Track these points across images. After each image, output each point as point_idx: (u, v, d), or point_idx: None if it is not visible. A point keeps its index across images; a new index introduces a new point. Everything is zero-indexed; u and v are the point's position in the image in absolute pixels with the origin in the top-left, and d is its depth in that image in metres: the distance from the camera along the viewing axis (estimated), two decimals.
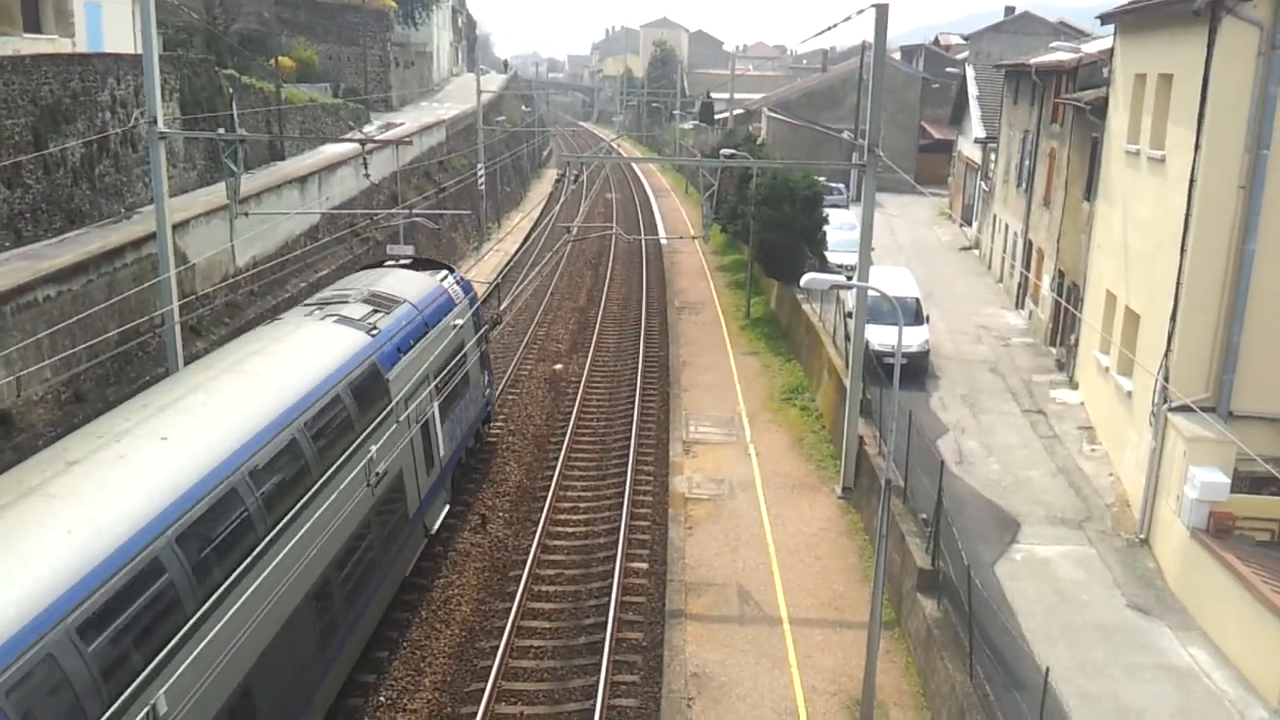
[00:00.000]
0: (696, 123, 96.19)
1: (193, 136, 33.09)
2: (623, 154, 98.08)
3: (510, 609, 18.92)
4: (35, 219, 25.51)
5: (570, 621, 18.94)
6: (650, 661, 17.60)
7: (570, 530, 22.49)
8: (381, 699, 16.49)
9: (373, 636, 17.26)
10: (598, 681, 16.63)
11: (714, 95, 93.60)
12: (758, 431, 27.22)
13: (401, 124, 58.60)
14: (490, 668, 17.11)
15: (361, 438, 16.18)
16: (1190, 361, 18.72)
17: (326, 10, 67.62)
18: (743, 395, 30.12)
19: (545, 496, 23.76)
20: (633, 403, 29.75)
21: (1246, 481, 18.05)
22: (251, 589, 11.95)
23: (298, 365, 16.04)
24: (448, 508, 21.79)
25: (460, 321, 22.24)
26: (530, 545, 21.39)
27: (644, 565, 20.80)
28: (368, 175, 32.32)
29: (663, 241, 56.12)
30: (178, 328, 22.47)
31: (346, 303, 19.54)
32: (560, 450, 26.47)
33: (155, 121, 21.73)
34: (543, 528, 22.11)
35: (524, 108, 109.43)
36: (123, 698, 9.56)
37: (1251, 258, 17.92)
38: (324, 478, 14.45)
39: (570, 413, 29.36)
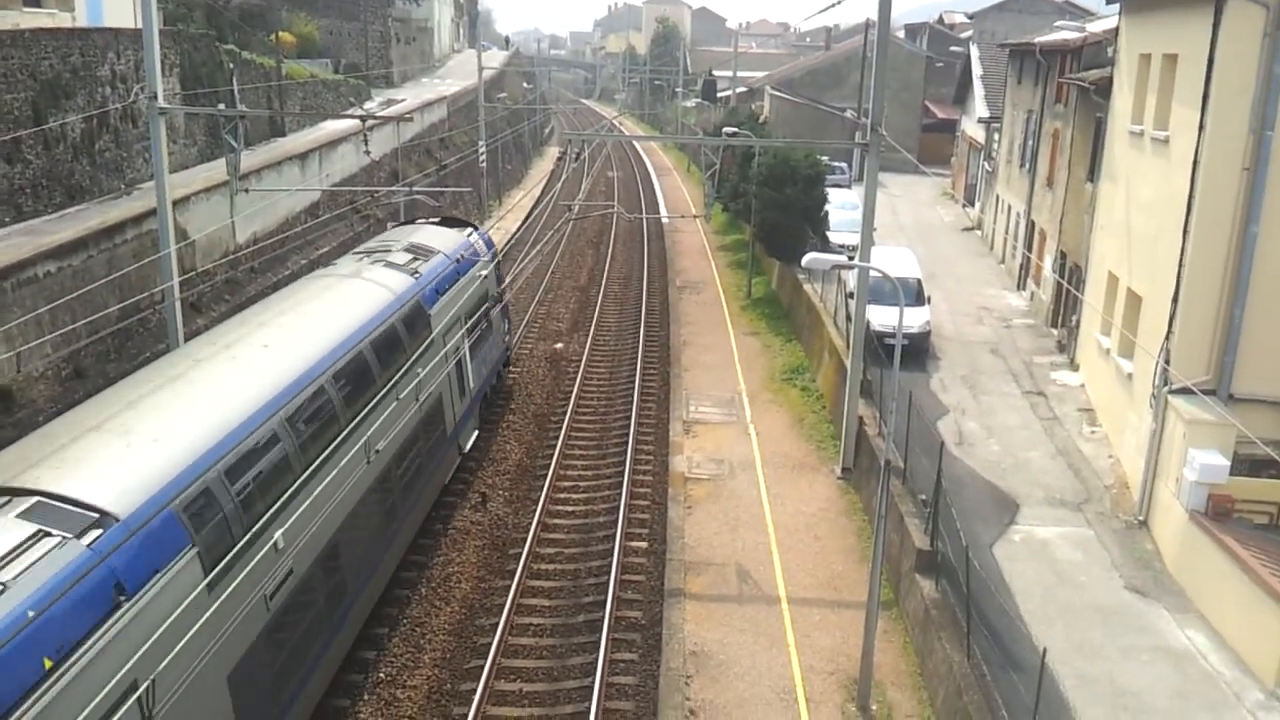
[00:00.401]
0: (699, 101, 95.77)
1: (193, 112, 32.98)
2: (624, 132, 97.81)
3: (510, 587, 18.98)
4: (35, 194, 25.46)
5: (569, 600, 19.00)
6: (649, 640, 17.66)
7: (570, 509, 22.53)
8: (381, 675, 16.57)
9: (371, 614, 17.33)
10: (596, 659, 16.70)
11: (717, 73, 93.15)
12: (758, 411, 27.23)
13: (402, 100, 58.40)
14: (490, 645, 17.18)
15: (411, 360, 18.81)
16: (1191, 344, 18.70)
17: None
18: (743, 375, 30.11)
19: (545, 475, 23.79)
20: (633, 382, 29.75)
21: (1246, 464, 18.06)
22: (337, 467, 14.81)
23: (360, 297, 19.09)
24: (476, 432, 24.97)
25: (485, 272, 25.50)
26: (530, 524, 21.43)
27: (643, 544, 20.85)
28: (368, 152, 32.20)
29: (664, 220, 55.98)
30: (178, 304, 22.45)
31: (390, 251, 22.45)
32: (560, 429, 26.49)
33: (155, 97, 21.63)
34: (543, 506, 22.16)
35: (525, 85, 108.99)
36: (254, 529, 12.27)
37: (1254, 240, 17.86)
38: (385, 388, 17.63)
39: (571, 392, 29.37)
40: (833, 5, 24.80)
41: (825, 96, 67.29)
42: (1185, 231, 18.63)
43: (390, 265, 21.23)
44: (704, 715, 15.34)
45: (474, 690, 16.06)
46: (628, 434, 25.79)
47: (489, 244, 27.59)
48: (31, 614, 9.05)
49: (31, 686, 8.75)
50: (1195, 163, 18.35)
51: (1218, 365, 18.54)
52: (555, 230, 45.05)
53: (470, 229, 27.24)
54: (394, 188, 38.19)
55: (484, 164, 57.48)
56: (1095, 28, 32.05)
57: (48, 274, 21.91)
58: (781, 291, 38.17)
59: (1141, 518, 19.52)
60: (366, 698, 16.01)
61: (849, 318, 24.88)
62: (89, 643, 9.54)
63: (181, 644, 10.30)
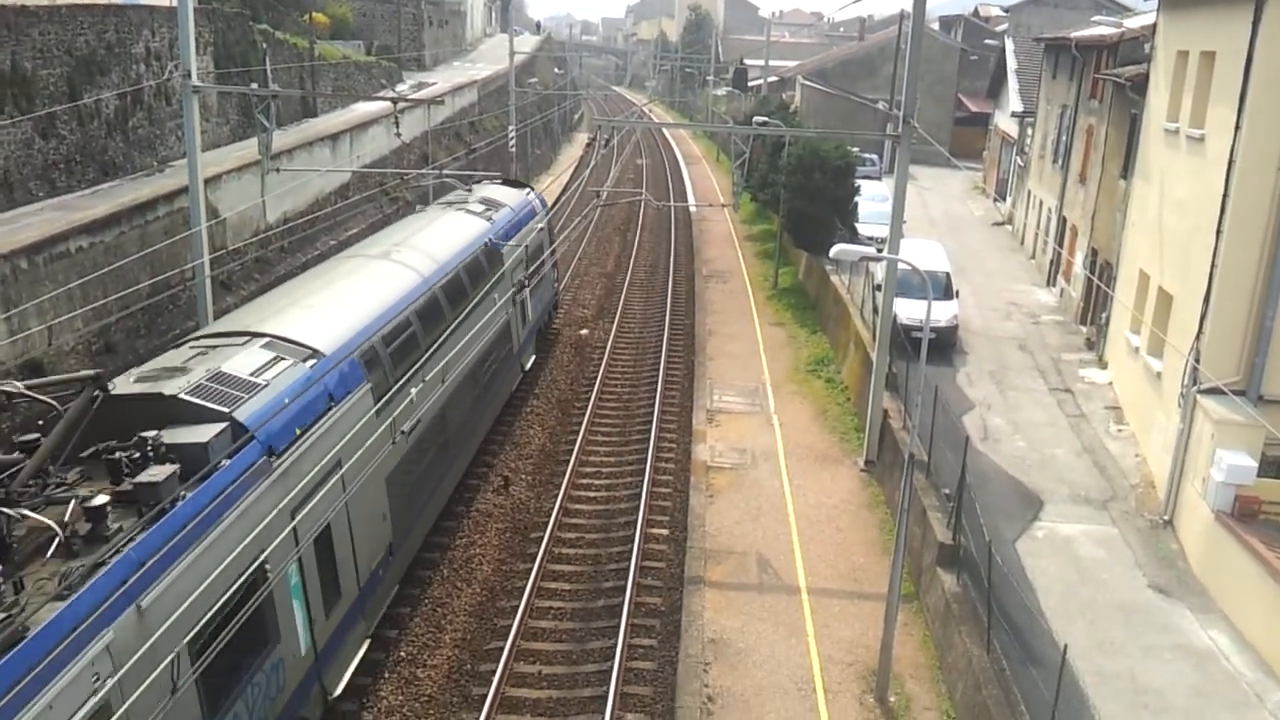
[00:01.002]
0: (730, 89, 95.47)
1: (226, 91, 33.18)
2: (654, 119, 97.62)
3: (531, 570, 19.07)
4: (69, 170, 25.71)
5: (590, 584, 19.07)
6: (668, 626, 17.71)
7: (592, 495, 22.59)
8: (402, 654, 16.69)
9: (396, 596, 17.47)
10: (616, 644, 16.76)
11: (748, 62, 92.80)
12: (782, 402, 27.20)
13: (434, 83, 58.51)
14: (510, 627, 17.28)
15: (489, 287, 23.32)
16: (1222, 344, 18.55)
17: None
18: (768, 365, 30.07)
19: (568, 460, 23.86)
20: (657, 369, 29.76)
21: (1274, 466, 17.94)
22: (446, 354, 18.82)
23: (455, 232, 23.68)
24: (534, 357, 29.49)
25: (540, 225, 29.85)
26: (552, 508, 21.51)
27: (664, 531, 20.89)
28: (399, 134, 32.31)
29: (692, 209, 55.88)
30: (208, 281, 22.66)
31: (467, 202, 26.81)
32: (584, 415, 26.55)
33: (189, 75, 21.79)
34: (565, 491, 22.23)
35: (556, 70, 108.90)
36: (401, 380, 16.73)
37: None
38: (473, 303, 21.97)
39: (595, 377, 29.42)
40: None
41: (857, 87, 66.92)
42: (1219, 231, 18.46)
43: (469, 212, 25.67)
44: (722, 702, 15.39)
45: (493, 671, 16.17)
46: (651, 421, 25.82)
47: (543, 203, 31.96)
48: (287, 401, 13.52)
49: (288, 446, 13.10)
50: (1230, 162, 18.17)
51: (1248, 366, 18.38)
52: (583, 217, 45.05)
53: (528, 189, 31.62)
54: (423, 170, 38.31)
55: (514, 148, 57.51)
56: (1132, 23, 31.74)
57: (80, 249, 22.14)
58: (808, 282, 38.07)
59: (1167, 517, 19.39)
60: (388, 676, 16.14)
61: (876, 310, 24.81)
62: (316, 426, 13.91)
63: (361, 449, 14.88)
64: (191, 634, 10.21)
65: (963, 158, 57.30)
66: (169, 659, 9.67)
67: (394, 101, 29.91)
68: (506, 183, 31.76)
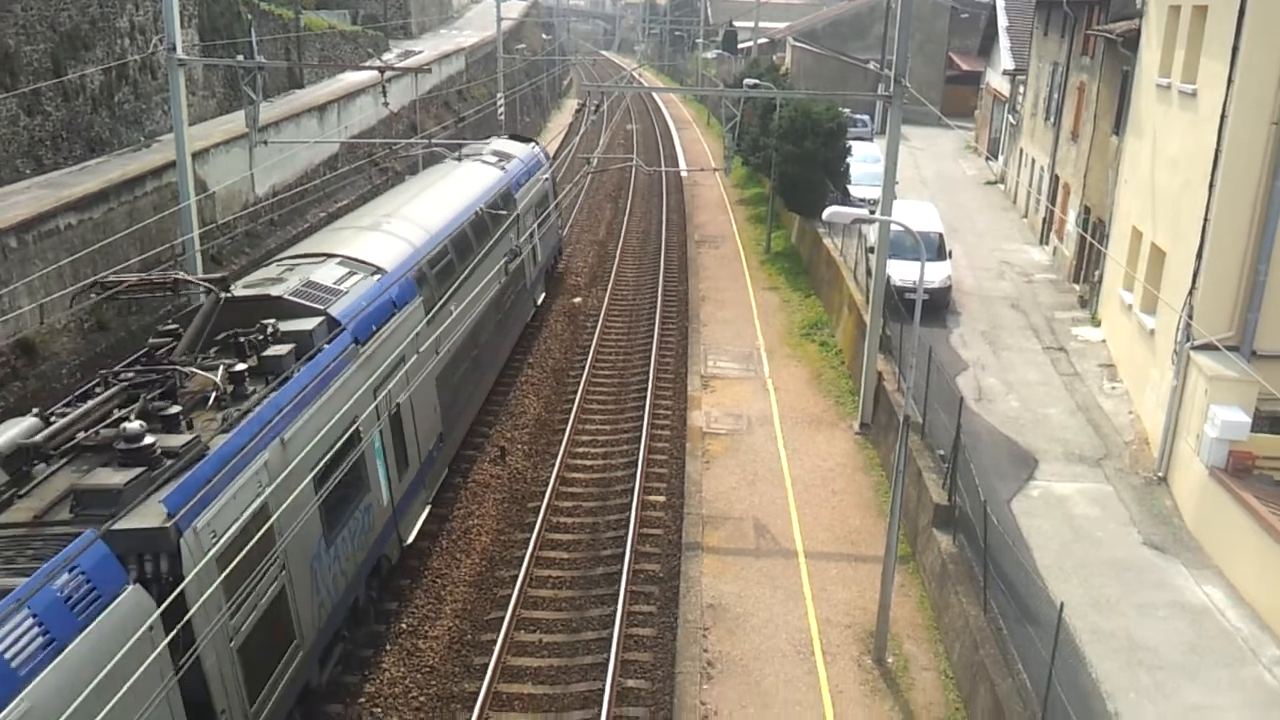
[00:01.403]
0: (719, 52, 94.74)
1: (212, 64, 32.91)
2: (644, 84, 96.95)
3: (529, 539, 19.15)
4: (55, 146, 25.52)
5: (588, 552, 19.16)
6: (667, 593, 17.81)
7: (588, 463, 22.65)
8: (404, 625, 16.78)
9: (397, 565, 17.54)
10: (615, 611, 16.86)
11: (737, 24, 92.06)
12: (776, 367, 27.21)
13: (420, 52, 58.05)
14: (509, 597, 17.37)
15: (505, 227, 26.11)
16: (1215, 300, 18.56)
17: None
18: (761, 330, 30.06)
19: (564, 429, 23.90)
20: (651, 337, 29.75)
21: (1267, 421, 18.01)
22: (478, 284, 22.30)
23: (476, 179, 26.41)
24: (544, 295, 32.31)
25: (546, 176, 33.17)
26: (549, 477, 21.57)
27: (661, 498, 20.96)
28: (386, 104, 32.12)
29: (683, 174, 55.65)
30: (198, 256, 22.56)
31: (483, 154, 29.31)
32: (579, 383, 26.56)
33: (174, 48, 21.60)
34: (561, 460, 22.28)
35: (544, 36, 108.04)
36: (443, 299, 20.01)
37: None
38: (494, 239, 24.73)
39: (589, 346, 29.41)
40: None
41: (848, 48, 66.46)
42: (1211, 186, 18.42)
43: (485, 163, 28.29)
44: (721, 667, 15.50)
45: (494, 641, 16.28)
46: (646, 388, 25.84)
47: (548, 156, 35.09)
48: (364, 304, 16.51)
49: (368, 338, 16.19)
50: (1223, 117, 18.09)
51: (1241, 321, 18.40)
52: (574, 184, 44.85)
53: (534, 143, 34.50)
54: (412, 140, 38.08)
55: (502, 116, 57.10)
56: None
57: (69, 226, 22.03)
58: (801, 246, 37.99)
59: (1161, 474, 19.49)
60: (389, 647, 16.23)
61: (869, 272, 24.77)
62: (386, 325, 16.98)
63: (419, 350, 18.21)
64: (315, 469, 13.12)
65: (954, 117, 57.03)
66: (303, 483, 12.53)
67: (381, 71, 29.70)
68: (514, 138, 35.35)
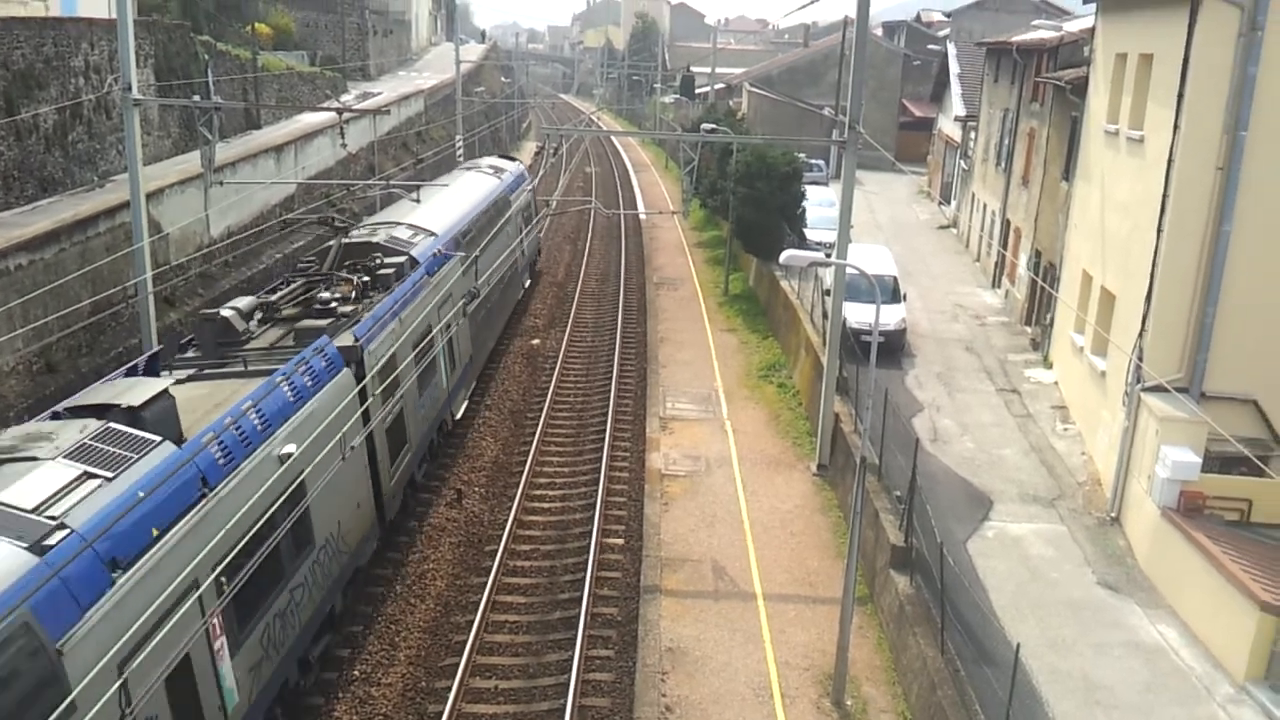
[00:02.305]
0: (677, 97, 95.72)
1: (167, 104, 32.68)
2: (603, 127, 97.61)
3: (485, 583, 18.92)
4: (6, 186, 25.17)
5: (545, 596, 18.96)
6: (625, 636, 17.65)
7: (546, 505, 22.49)
8: (356, 673, 16.48)
9: (346, 610, 17.26)
10: (573, 656, 16.68)
11: (695, 69, 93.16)
12: (735, 408, 27.27)
13: (379, 93, 58.06)
14: (465, 642, 17.13)
15: (502, 224, 32.97)
16: (1164, 342, 18.86)
17: None
18: (720, 372, 30.14)
19: (521, 471, 23.74)
20: (610, 378, 29.72)
21: (1217, 461, 18.24)
22: (493, 262, 30.15)
23: (482, 182, 34.75)
24: (530, 281, 40.26)
25: (530, 188, 41.16)
26: (506, 520, 21.38)
27: (619, 541, 20.83)
28: (344, 145, 32.03)
29: (642, 216, 55.94)
30: (150, 298, 22.26)
31: (482, 166, 37.87)
32: (537, 425, 26.44)
33: (130, 88, 21.43)
34: (519, 503, 22.11)
35: (503, 79, 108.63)
36: (471, 259, 26.95)
37: (1227, 239, 18.02)
38: (495, 233, 31.51)
39: (547, 388, 29.32)
40: (811, 2, 24.91)
41: (803, 93, 67.43)
42: (1159, 230, 18.78)
43: (483, 173, 36.36)
44: (680, 711, 15.36)
45: (449, 688, 16.02)
46: (604, 430, 25.77)
47: (530, 173, 43.38)
48: (429, 252, 23.91)
49: (434, 272, 23.35)
50: (1170, 162, 18.49)
51: (1190, 363, 18.70)
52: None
53: (519, 162, 42.52)
54: (370, 181, 38.01)
55: (461, 157, 57.21)
56: (1072, 27, 32.25)
57: (19, 267, 21.68)
58: (759, 288, 38.23)
59: (1114, 514, 19.67)
60: (341, 695, 15.93)
61: (825, 315, 24.95)
62: (442, 269, 23.80)
63: (462, 291, 25.29)
64: (416, 348, 20.77)
65: (908, 162, 57.88)
66: (410, 353, 20.14)
67: (339, 112, 29.65)
68: (502, 157, 44.64)
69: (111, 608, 10.14)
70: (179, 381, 14.80)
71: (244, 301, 18.36)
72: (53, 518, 10.18)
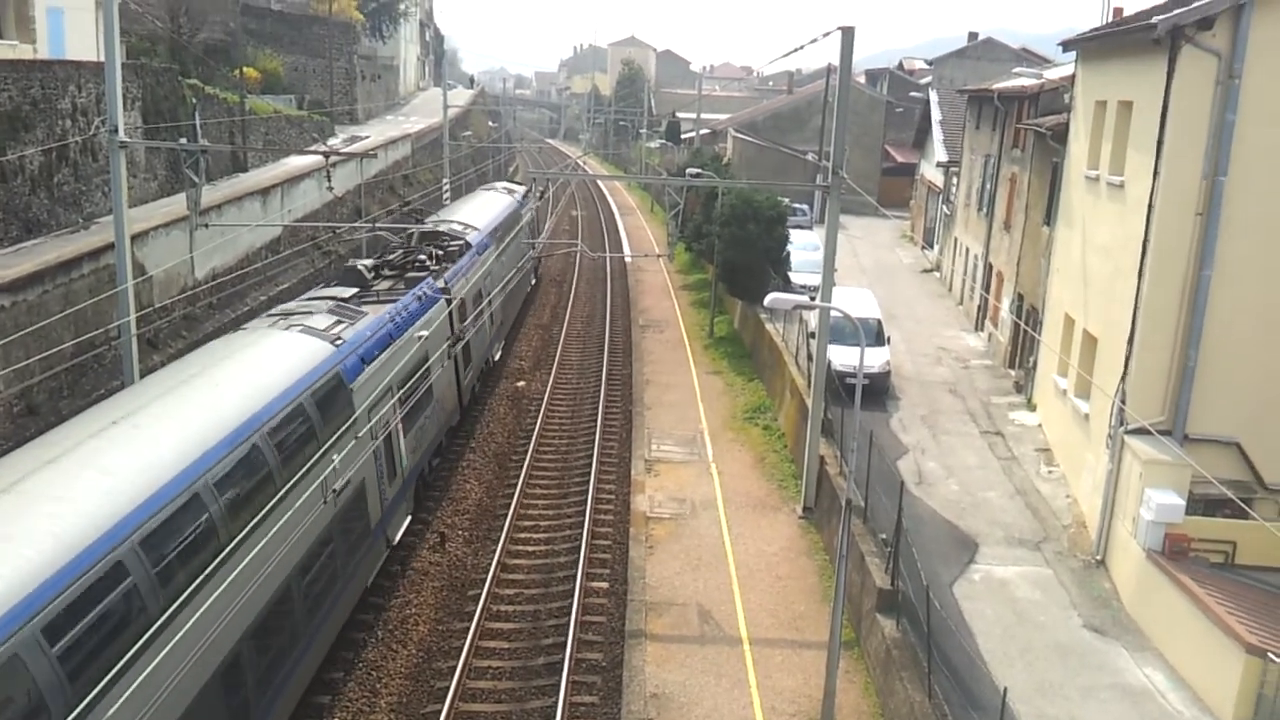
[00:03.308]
0: (663, 142, 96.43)
1: (154, 146, 32.74)
2: (589, 171, 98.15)
3: (468, 629, 18.74)
4: None
5: (529, 641, 18.78)
6: (610, 682, 17.48)
7: (530, 549, 22.34)
8: None
9: (327, 658, 17.04)
10: (556, 702, 16.50)
11: (680, 115, 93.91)
12: (720, 451, 27.23)
13: (366, 137, 58.36)
14: (447, 689, 16.92)
15: (517, 231, 41.02)
16: (1147, 385, 18.95)
17: (293, 22, 67.32)
18: (705, 414, 30.13)
19: (505, 515, 23.60)
20: (595, 420, 29.67)
21: (1201, 504, 18.27)
22: (513, 252, 39.36)
23: (500, 198, 42.68)
24: (535, 280, 49.36)
25: (534, 206, 49.31)
26: (490, 564, 21.21)
27: (604, 585, 20.69)
28: (331, 188, 32.08)
29: (627, 259, 56.15)
30: (134, 340, 22.13)
31: (497, 188, 46.98)
32: (521, 468, 26.33)
33: (116, 130, 21.44)
34: (502, 546, 21.96)
35: (491, 123, 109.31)
36: (499, 251, 35.86)
37: (1208, 283, 18.19)
38: (515, 232, 40.59)
39: (532, 430, 29.24)
40: (795, 50, 25.31)
41: (787, 139, 68.04)
42: (1140, 274, 18.94)
43: (500, 192, 45.40)
44: None
45: None
46: (589, 473, 25.67)
47: (533, 193, 50.47)
48: (477, 238, 33.14)
49: (481, 254, 32.63)
50: (1150, 207, 18.69)
51: (1173, 406, 18.78)
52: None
53: (526, 188, 49.56)
54: (356, 224, 38.11)
55: (448, 201, 57.38)
56: (1052, 74, 32.72)
57: (1, 309, 21.58)
58: (744, 331, 38.32)
59: (1099, 557, 19.65)
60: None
61: (810, 357, 25.00)
62: (485, 253, 32.90)
63: (496, 272, 33.92)
64: (476, 300, 29.57)
65: (891, 207, 58.37)
66: (475, 306, 29.53)
67: (326, 155, 29.74)
68: (511, 180, 56.68)
69: (365, 380, 18.86)
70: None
71: (366, 261, 25.77)
72: (334, 334, 18.71)
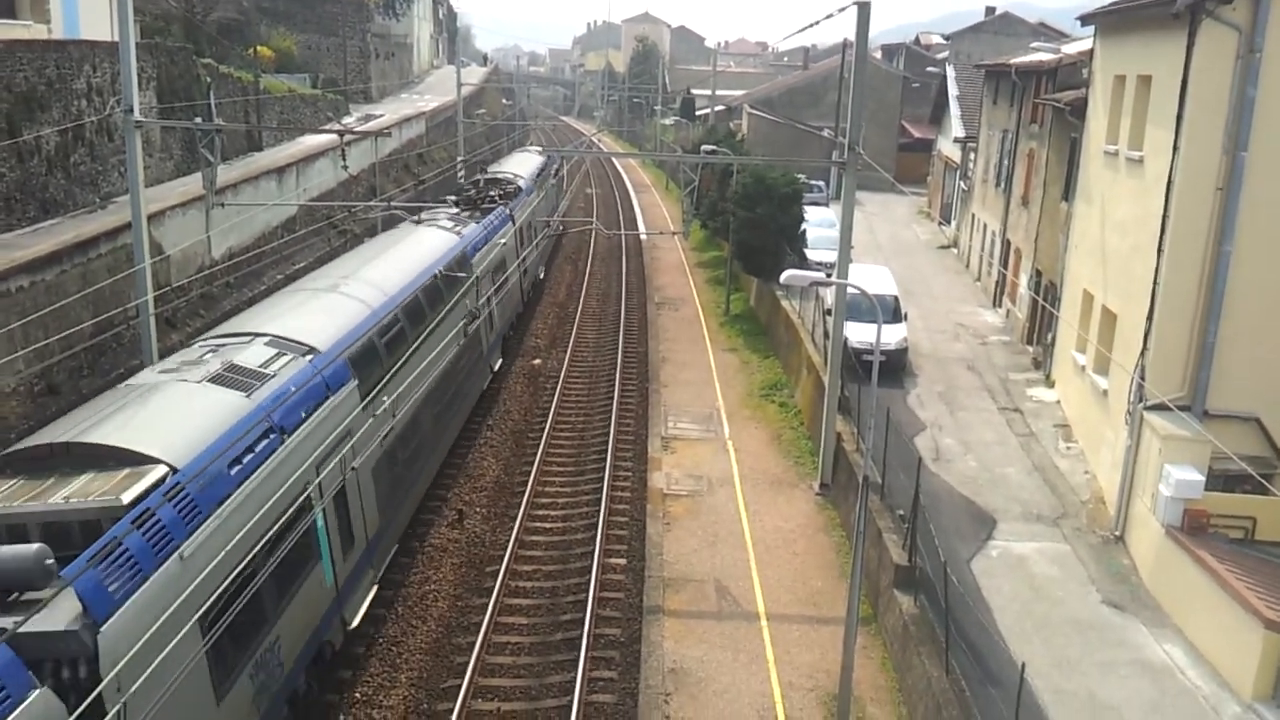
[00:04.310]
0: (678, 119, 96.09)
1: (169, 126, 32.83)
2: (603, 149, 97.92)
3: (487, 604, 18.85)
4: (8, 208, 25.24)
5: (547, 617, 18.89)
6: (628, 657, 17.58)
7: (548, 526, 22.44)
8: (358, 695, 16.40)
9: (353, 632, 17.16)
10: (575, 677, 16.60)
11: (695, 91, 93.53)
12: (736, 428, 27.24)
13: (381, 115, 58.33)
14: (467, 664, 17.05)
15: (544, 191, 45.44)
16: (1166, 360, 18.85)
17: (306, 0, 67.19)
18: (721, 391, 30.13)
19: (523, 492, 23.70)
20: (611, 398, 29.71)
21: (1220, 479, 18.21)
22: (550, 202, 48.87)
23: (535, 158, 50.78)
24: (552, 244, 51.57)
25: (556, 166, 54.53)
26: (508, 540, 21.32)
27: (622, 561, 20.77)
28: (345, 167, 32.15)
29: (643, 237, 56.06)
30: (152, 319, 22.25)
31: (531, 150, 55.60)
32: (539, 445, 26.41)
33: (131, 110, 21.49)
34: (520, 523, 22.06)
35: (505, 101, 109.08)
36: (542, 198, 44.66)
37: (1228, 259, 18.05)
38: (543, 189, 46.33)
39: (549, 408, 29.30)
40: (811, 25, 25.10)
41: (803, 115, 67.66)
42: (1160, 250, 18.81)
43: (533, 153, 52.12)
44: None
45: (451, 710, 15.92)
46: (606, 450, 25.73)
47: (553, 158, 54.67)
48: (519, 184, 40.69)
49: (530, 194, 41.26)
50: (1169, 182, 18.54)
51: (1192, 381, 18.69)
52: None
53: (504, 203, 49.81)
54: (371, 203, 38.11)
55: (463, 179, 57.34)
56: (1070, 49, 32.40)
57: (20, 289, 21.72)
58: (760, 308, 38.26)
59: (1118, 533, 19.62)
60: (342, 718, 15.84)
61: (827, 334, 24.95)
62: (530, 197, 40.90)
63: (537, 210, 42.23)
64: (533, 228, 40.60)
65: (907, 183, 58.06)
66: (533, 231, 41.09)
67: (340, 134, 29.75)
68: (541, 151, 57.54)
69: (477, 259, 28.62)
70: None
71: (453, 196, 35.20)
72: (457, 230, 29.02)
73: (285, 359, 15.86)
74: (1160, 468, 17.97)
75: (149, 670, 9.35)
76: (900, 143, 67.67)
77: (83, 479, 11.53)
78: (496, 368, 31.03)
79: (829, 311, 25.00)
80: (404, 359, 19.93)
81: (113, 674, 9.21)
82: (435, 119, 65.12)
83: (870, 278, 29.33)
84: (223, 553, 11.71)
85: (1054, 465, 22.91)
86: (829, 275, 23.16)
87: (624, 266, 49.69)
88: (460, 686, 16.41)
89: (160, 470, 11.79)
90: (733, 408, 28.76)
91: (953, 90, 52.62)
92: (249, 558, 12.09)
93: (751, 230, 36.17)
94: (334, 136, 35.62)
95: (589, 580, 19.52)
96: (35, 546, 9.73)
